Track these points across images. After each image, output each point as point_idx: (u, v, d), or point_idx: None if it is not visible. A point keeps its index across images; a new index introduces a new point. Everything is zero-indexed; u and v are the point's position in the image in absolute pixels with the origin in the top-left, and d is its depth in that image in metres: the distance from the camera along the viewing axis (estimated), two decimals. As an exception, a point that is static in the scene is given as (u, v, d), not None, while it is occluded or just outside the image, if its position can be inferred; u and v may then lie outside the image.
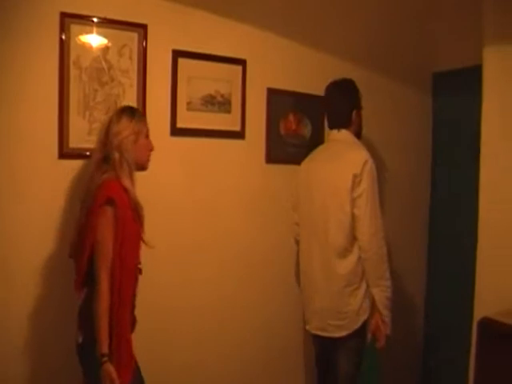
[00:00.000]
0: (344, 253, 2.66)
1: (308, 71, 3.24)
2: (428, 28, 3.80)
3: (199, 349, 2.89)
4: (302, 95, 3.23)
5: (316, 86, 3.17)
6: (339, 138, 2.83)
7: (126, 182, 2.14)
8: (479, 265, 2.52)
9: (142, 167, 2.28)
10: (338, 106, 2.85)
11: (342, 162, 2.70)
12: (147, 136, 2.27)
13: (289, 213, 3.10)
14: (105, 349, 1.99)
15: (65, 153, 2.43)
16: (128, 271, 2.11)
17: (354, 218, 2.62)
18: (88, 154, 2.47)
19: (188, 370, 2.86)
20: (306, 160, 2.96)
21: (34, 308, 2.40)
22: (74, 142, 2.45)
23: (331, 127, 2.88)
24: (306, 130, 3.28)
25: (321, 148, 2.97)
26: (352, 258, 2.65)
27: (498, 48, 2.46)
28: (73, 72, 2.44)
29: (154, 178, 2.65)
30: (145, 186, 2.56)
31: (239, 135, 3.00)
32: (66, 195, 2.45)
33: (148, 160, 2.30)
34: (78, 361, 2.17)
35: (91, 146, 2.47)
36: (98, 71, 2.51)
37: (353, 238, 2.65)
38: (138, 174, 2.33)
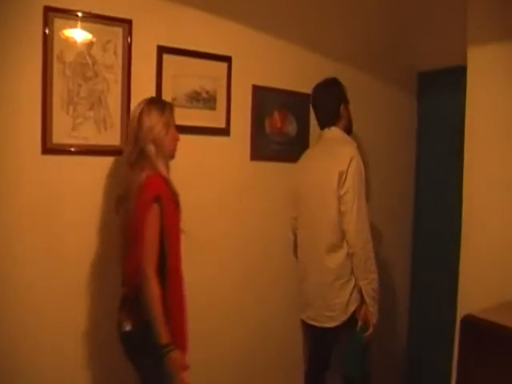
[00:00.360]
0: (333, 248, 2.75)
1: (294, 69, 3.24)
2: (413, 28, 3.82)
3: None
4: (287, 93, 3.23)
5: (301, 84, 3.18)
6: (330, 136, 2.89)
7: (164, 172, 2.24)
8: (463, 261, 2.54)
9: (171, 156, 2.37)
10: (325, 101, 2.91)
11: (329, 160, 2.78)
12: (174, 126, 2.36)
13: (277, 209, 3.17)
14: (167, 338, 2.08)
15: (48, 148, 2.41)
16: (177, 259, 2.25)
17: (341, 214, 2.69)
18: (72, 149, 2.48)
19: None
20: (302, 157, 3.06)
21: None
22: (58, 138, 2.43)
23: (322, 127, 2.93)
24: (291, 128, 3.28)
25: (314, 146, 3.06)
26: (341, 252, 2.74)
27: (482, 48, 2.47)
28: (56, 67, 2.41)
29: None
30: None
31: (224, 132, 3.00)
32: (50, 191, 2.43)
33: (175, 149, 2.39)
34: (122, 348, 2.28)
35: (75, 141, 2.48)
36: (82, 66, 2.49)
37: (342, 234, 2.73)
38: (121, 170, 2.38)
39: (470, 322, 2.00)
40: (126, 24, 2.59)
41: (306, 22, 3.27)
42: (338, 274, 2.74)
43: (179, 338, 2.15)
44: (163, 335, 2.07)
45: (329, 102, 2.90)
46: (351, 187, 2.67)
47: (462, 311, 2.25)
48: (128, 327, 2.20)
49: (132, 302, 2.20)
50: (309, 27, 3.29)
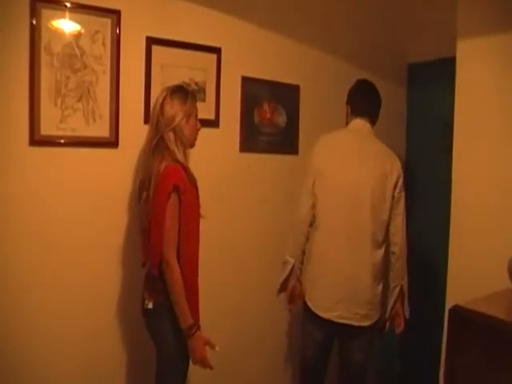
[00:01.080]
0: (378, 245, 2.74)
1: (283, 60, 3.24)
2: (403, 19, 3.82)
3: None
4: (276, 84, 3.23)
5: (291, 76, 3.18)
6: (365, 128, 2.88)
7: (183, 160, 2.30)
8: (451, 253, 2.56)
9: (191, 145, 2.43)
10: (377, 97, 2.96)
11: (384, 158, 2.79)
12: (196, 116, 2.42)
13: (267, 200, 3.20)
14: (190, 320, 2.22)
15: (36, 140, 2.39)
16: (194, 246, 2.36)
17: (391, 214, 2.75)
18: (61, 141, 2.46)
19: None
20: (330, 141, 2.87)
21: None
22: (46, 129, 2.41)
23: (361, 114, 2.88)
24: (281, 119, 3.28)
25: (344, 132, 2.91)
26: (381, 251, 2.76)
27: (472, 40, 2.48)
28: (44, 58, 2.39)
29: (126, 165, 2.64)
30: (116, 174, 2.56)
31: (213, 123, 2.99)
32: (37, 182, 2.42)
33: (195, 139, 2.46)
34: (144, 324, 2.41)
35: (63, 133, 2.46)
36: (70, 57, 2.46)
37: (386, 232, 2.76)
38: (108, 161, 2.45)
39: (457, 312, 2.01)
40: (115, 15, 2.57)
41: (295, 15, 3.27)
42: (378, 272, 2.74)
43: (194, 319, 2.26)
44: (187, 318, 2.21)
45: (379, 100, 2.96)
46: (403, 191, 2.78)
47: (450, 302, 2.27)
48: (150, 305, 2.31)
49: (153, 281, 2.30)
50: (299, 19, 3.28)
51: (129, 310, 2.65)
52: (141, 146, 2.68)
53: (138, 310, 2.43)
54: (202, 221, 2.91)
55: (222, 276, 3.10)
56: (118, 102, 2.59)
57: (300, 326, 3.00)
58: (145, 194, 2.29)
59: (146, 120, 2.70)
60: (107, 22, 2.56)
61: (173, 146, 2.29)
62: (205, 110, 2.92)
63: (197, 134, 2.46)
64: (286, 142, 3.28)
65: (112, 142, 2.61)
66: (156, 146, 2.30)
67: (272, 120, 3.24)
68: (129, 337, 2.73)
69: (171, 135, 2.30)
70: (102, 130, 2.57)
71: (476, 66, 2.49)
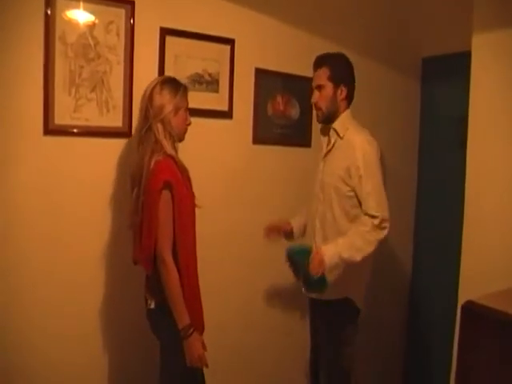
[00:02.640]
0: None
1: (297, 52, 3.23)
2: (418, 13, 3.79)
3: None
4: (290, 76, 3.22)
5: (305, 68, 3.15)
6: None
7: (172, 151, 2.25)
8: (464, 248, 2.54)
9: (180, 139, 2.37)
10: None
11: None
12: (186, 110, 2.37)
13: (279, 192, 3.20)
14: (187, 320, 2.16)
15: (50, 129, 2.40)
16: (190, 241, 2.29)
17: None
18: (75, 131, 2.47)
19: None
20: None
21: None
22: (60, 119, 2.42)
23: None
24: (294, 112, 3.28)
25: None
26: None
27: (488, 34, 2.45)
28: (58, 48, 2.40)
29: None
30: (128, 164, 2.56)
31: (227, 115, 2.99)
32: (51, 171, 2.43)
33: (185, 132, 2.40)
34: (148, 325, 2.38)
35: (77, 122, 2.47)
36: (84, 47, 2.47)
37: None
38: (122, 151, 2.47)
39: (470, 308, 2.00)
40: (129, 5, 2.57)
41: (310, 7, 3.25)
42: None
43: (195, 319, 2.21)
44: (183, 318, 2.15)
45: None
46: None
47: (462, 298, 2.25)
48: (152, 305, 2.28)
49: (153, 281, 2.25)
50: (313, 12, 3.27)
51: (134, 308, 2.63)
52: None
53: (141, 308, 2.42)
54: (213, 213, 2.94)
55: (233, 269, 3.11)
56: (131, 92, 2.59)
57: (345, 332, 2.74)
58: (136, 190, 2.25)
59: (160, 111, 2.71)
60: (121, 12, 2.56)
61: (161, 138, 2.24)
62: (218, 102, 2.93)
63: (186, 128, 2.40)
64: (299, 134, 3.27)
65: (125, 132, 2.61)
66: (144, 137, 2.26)
67: (285, 112, 3.24)
68: (130, 335, 2.72)
69: (159, 126, 2.25)
70: (115, 120, 2.58)
71: (491, 60, 2.46)
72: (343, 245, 2.47)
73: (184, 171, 2.29)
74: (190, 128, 2.79)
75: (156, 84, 2.28)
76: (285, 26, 3.16)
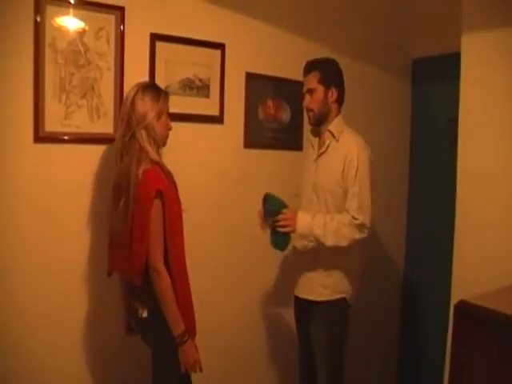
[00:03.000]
0: None
1: (287, 56, 3.23)
2: (408, 14, 3.80)
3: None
4: (281, 80, 3.23)
5: (295, 71, 3.15)
6: None
7: (157, 158, 2.23)
8: (456, 248, 2.55)
9: (163, 144, 2.34)
10: None
11: None
12: (167, 115, 2.34)
13: None
14: (181, 328, 2.15)
15: (40, 137, 2.39)
16: (180, 247, 2.26)
17: None
18: (65, 138, 2.47)
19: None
20: None
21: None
22: (50, 126, 2.42)
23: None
24: (285, 115, 3.28)
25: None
26: None
27: (477, 35, 2.46)
28: (48, 55, 2.39)
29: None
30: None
31: (218, 120, 2.99)
32: (42, 179, 2.43)
33: (167, 137, 2.36)
34: (140, 335, 2.37)
35: (68, 129, 2.47)
36: (74, 54, 2.47)
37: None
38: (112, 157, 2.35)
39: (463, 307, 2.01)
40: (119, 11, 2.57)
41: (300, 10, 3.26)
42: None
43: (188, 325, 2.20)
44: (179, 325, 2.15)
45: None
46: None
47: (455, 297, 2.26)
48: (144, 314, 2.24)
49: (142, 290, 2.20)
50: (303, 15, 3.28)
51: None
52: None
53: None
54: (205, 217, 2.95)
55: (226, 274, 3.11)
56: (122, 98, 2.57)
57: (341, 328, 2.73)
58: (123, 199, 2.19)
59: (151, 116, 2.71)
60: (111, 18, 2.56)
61: (146, 145, 2.20)
62: (209, 106, 2.93)
63: (168, 133, 2.37)
64: (290, 137, 3.28)
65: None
66: (128, 144, 2.21)
67: (276, 116, 3.24)
68: (118, 343, 2.69)
69: (143, 133, 2.20)
70: (106, 127, 2.57)
71: (481, 60, 2.48)
72: (319, 222, 2.49)
73: (169, 176, 2.28)
74: (181, 133, 2.80)
75: (137, 90, 2.23)
76: (275, 29, 3.17)
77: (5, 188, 2.34)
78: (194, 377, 2.33)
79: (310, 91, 2.66)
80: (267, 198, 2.60)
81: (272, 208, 2.56)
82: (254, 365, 3.30)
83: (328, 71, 2.67)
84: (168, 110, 2.34)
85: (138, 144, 2.20)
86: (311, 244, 2.56)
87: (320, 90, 2.64)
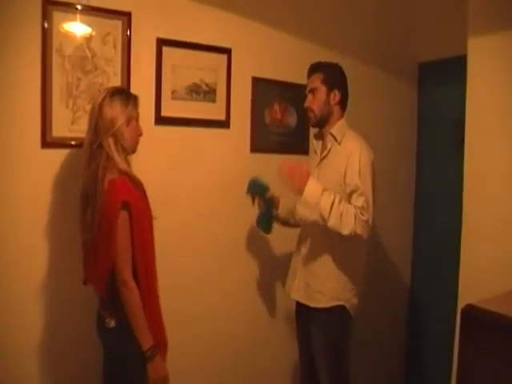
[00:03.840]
0: None
1: (294, 60, 3.24)
2: (414, 18, 3.80)
3: (182, 329, 2.91)
4: (287, 84, 3.23)
5: (301, 75, 3.14)
6: None
7: (125, 167, 2.15)
8: (463, 252, 2.54)
9: (132, 150, 2.27)
10: None
11: None
12: (137, 120, 2.25)
13: None
14: (150, 342, 2.09)
15: (48, 142, 2.41)
16: (150, 259, 2.20)
17: None
18: (72, 143, 2.47)
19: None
20: None
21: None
22: (58, 131, 2.43)
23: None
24: (291, 119, 3.29)
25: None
26: None
27: (483, 37, 2.46)
28: (56, 60, 2.41)
29: (137, 166, 2.63)
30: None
31: (224, 124, 3.00)
32: (49, 184, 2.44)
33: (137, 144, 2.29)
34: (107, 345, 2.27)
35: (75, 135, 2.47)
36: (81, 59, 2.49)
37: None
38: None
39: (470, 311, 2.00)
40: (125, 17, 2.58)
41: (306, 14, 3.27)
42: None
43: (158, 339, 2.15)
44: (147, 339, 2.09)
45: None
46: None
47: (462, 301, 2.25)
48: (112, 323, 2.16)
49: (109, 300, 2.14)
50: (309, 19, 3.28)
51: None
52: (152, 146, 2.70)
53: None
54: (211, 221, 2.94)
55: (230, 277, 3.11)
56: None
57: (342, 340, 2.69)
58: (90, 209, 2.12)
59: (157, 121, 2.73)
60: (118, 23, 2.57)
61: (113, 153, 2.12)
62: (215, 111, 2.94)
63: (138, 139, 2.28)
64: (296, 142, 3.28)
65: (123, 144, 2.61)
66: (96, 152, 2.12)
67: (283, 120, 3.25)
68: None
69: (111, 141, 2.12)
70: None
71: (487, 63, 2.47)
72: (327, 198, 2.40)
73: (139, 185, 2.21)
74: (187, 138, 2.81)
75: (105, 96, 2.14)
76: (281, 34, 3.17)
77: (12, 193, 2.35)
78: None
79: (313, 91, 2.65)
80: (254, 180, 2.80)
81: (261, 190, 2.75)
82: (257, 370, 3.29)
83: (332, 73, 2.66)
84: (138, 115, 2.25)
85: (105, 153, 2.12)
86: (311, 218, 2.48)
87: (322, 91, 2.63)
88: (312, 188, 2.41)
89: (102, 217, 2.08)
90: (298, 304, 2.77)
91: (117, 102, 2.14)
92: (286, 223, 2.93)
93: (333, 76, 2.66)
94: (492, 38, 2.43)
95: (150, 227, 2.25)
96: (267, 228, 2.85)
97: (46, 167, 2.42)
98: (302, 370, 2.90)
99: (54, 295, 2.48)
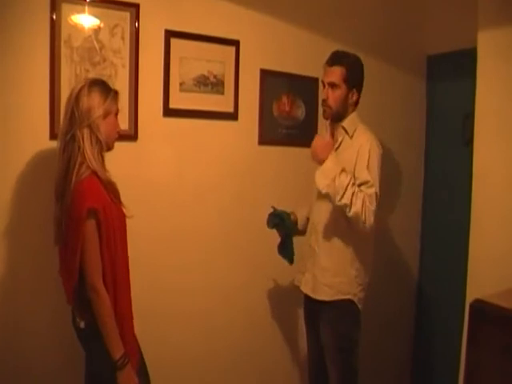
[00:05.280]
0: None
1: (302, 53, 3.23)
2: (422, 10, 3.77)
3: (189, 327, 2.92)
4: (295, 77, 3.22)
5: (310, 68, 3.17)
6: None
7: (95, 165, 2.03)
8: (472, 247, 2.53)
9: (108, 147, 2.17)
10: None
11: None
12: (116, 115, 2.18)
13: (286, 193, 3.17)
14: (121, 350, 2.01)
15: (56, 133, 2.38)
16: (121, 264, 2.11)
17: None
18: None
19: (178, 348, 2.90)
20: None
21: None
22: (66, 123, 2.43)
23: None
24: (300, 112, 3.27)
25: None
26: None
27: (493, 30, 2.44)
28: (64, 52, 2.41)
29: (145, 158, 2.65)
30: (136, 166, 2.56)
31: (232, 116, 2.99)
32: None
33: (114, 140, 2.20)
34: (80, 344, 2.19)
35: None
36: (89, 51, 2.49)
37: None
38: (128, 154, 2.43)
39: (479, 306, 2.00)
40: (134, 8, 2.58)
41: (314, 6, 3.25)
42: None
43: (128, 347, 2.08)
44: (117, 348, 2.01)
45: None
46: None
47: (470, 296, 2.25)
48: (82, 325, 2.10)
49: (79, 300, 2.08)
50: (317, 11, 3.26)
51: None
52: (160, 138, 2.71)
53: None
54: (220, 214, 2.94)
55: (238, 270, 3.12)
56: (136, 95, 2.61)
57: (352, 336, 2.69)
58: (58, 207, 2.07)
59: (165, 113, 2.73)
60: (126, 15, 2.57)
61: (85, 146, 2.01)
62: (223, 103, 2.94)
63: (116, 135, 2.20)
64: (304, 134, 3.26)
65: (131, 135, 2.62)
66: (69, 143, 2.03)
67: (291, 113, 3.24)
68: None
69: (85, 132, 2.02)
70: (121, 123, 2.54)
71: (497, 56, 2.45)
72: (344, 177, 2.39)
73: (109, 185, 2.10)
74: (195, 130, 2.81)
75: (83, 86, 2.05)
76: (289, 26, 3.16)
77: (21, 184, 2.36)
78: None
79: (333, 85, 2.60)
80: (273, 213, 2.75)
81: (278, 212, 2.73)
82: (264, 364, 3.29)
83: (355, 71, 2.63)
84: (117, 111, 2.19)
85: (77, 145, 2.03)
86: (325, 190, 2.42)
87: (343, 89, 2.59)
88: (333, 163, 2.43)
89: (70, 219, 2.01)
90: (307, 298, 2.76)
91: (95, 93, 2.06)
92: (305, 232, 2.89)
93: (355, 75, 2.63)
94: (503, 31, 2.40)
95: (122, 231, 2.16)
96: (291, 257, 2.79)
97: (54, 158, 2.41)
98: (311, 365, 2.90)
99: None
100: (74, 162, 2.01)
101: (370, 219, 2.39)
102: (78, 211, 1.96)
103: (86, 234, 1.97)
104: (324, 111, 2.68)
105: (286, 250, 2.79)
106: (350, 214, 2.38)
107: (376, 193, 2.43)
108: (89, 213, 1.96)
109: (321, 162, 2.45)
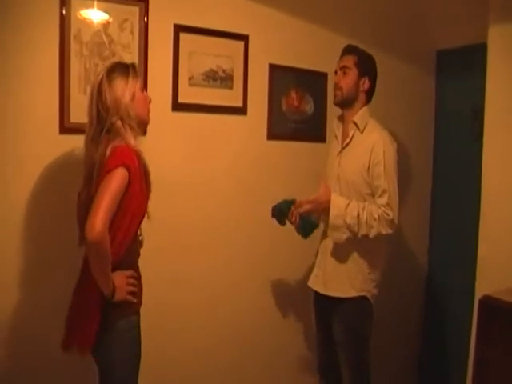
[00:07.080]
0: None
1: (311, 47, 3.22)
2: (432, 5, 3.75)
3: (192, 319, 2.92)
4: (304, 71, 3.22)
5: (319, 63, 3.16)
6: None
7: (135, 144, 1.96)
8: (481, 242, 2.53)
9: (145, 122, 2.13)
10: None
11: None
12: (142, 89, 2.10)
13: (294, 188, 3.09)
14: (111, 286, 1.90)
15: (66, 128, 2.43)
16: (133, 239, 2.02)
17: None
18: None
19: (179, 344, 2.90)
20: None
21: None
22: (75, 117, 2.43)
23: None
24: (308, 107, 3.27)
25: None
26: None
27: (504, 26, 2.44)
28: (73, 47, 2.42)
29: (154, 153, 2.64)
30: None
31: (241, 111, 3.00)
32: (67, 170, 2.44)
33: (148, 113, 2.13)
34: None
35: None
36: (98, 46, 2.49)
37: None
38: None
39: (487, 302, 2.00)
40: (143, 3, 2.58)
41: (323, 1, 3.25)
42: None
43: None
44: (109, 285, 1.88)
45: None
46: None
47: (479, 292, 2.25)
48: None
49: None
50: (326, 5, 3.26)
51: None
52: (169, 133, 2.71)
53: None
54: (228, 209, 2.95)
55: (245, 265, 3.12)
56: (146, 89, 2.60)
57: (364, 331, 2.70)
58: (87, 189, 1.97)
59: (174, 107, 2.74)
60: (135, 10, 2.57)
61: (122, 134, 1.94)
62: (232, 98, 2.94)
63: (148, 107, 2.12)
64: (313, 129, 3.27)
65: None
66: (98, 138, 1.96)
67: (299, 107, 3.23)
68: None
69: (118, 122, 1.94)
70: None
71: (508, 52, 2.45)
72: (353, 211, 2.48)
73: (145, 170, 2.02)
74: (204, 124, 2.81)
75: (102, 77, 1.96)
76: (298, 21, 3.15)
77: (31, 178, 2.37)
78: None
79: (344, 69, 2.64)
80: (276, 206, 2.68)
81: (285, 207, 2.65)
82: (270, 358, 3.28)
83: (366, 60, 2.68)
84: (141, 84, 2.12)
85: (113, 134, 1.95)
86: (345, 236, 2.53)
87: (354, 72, 2.63)
88: (335, 211, 2.50)
89: (99, 180, 1.87)
90: (318, 295, 2.77)
91: (116, 81, 1.97)
92: None
93: (366, 63, 2.67)
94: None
95: (141, 214, 2.04)
96: (311, 232, 2.65)
97: (64, 152, 2.43)
98: (320, 360, 2.91)
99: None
100: (108, 141, 1.93)
101: (390, 229, 2.49)
102: (111, 164, 1.86)
103: (114, 178, 1.84)
104: (335, 96, 2.69)
105: (303, 227, 2.65)
106: (372, 236, 2.48)
107: (391, 197, 2.49)
108: (123, 163, 1.86)
109: (325, 211, 2.54)
